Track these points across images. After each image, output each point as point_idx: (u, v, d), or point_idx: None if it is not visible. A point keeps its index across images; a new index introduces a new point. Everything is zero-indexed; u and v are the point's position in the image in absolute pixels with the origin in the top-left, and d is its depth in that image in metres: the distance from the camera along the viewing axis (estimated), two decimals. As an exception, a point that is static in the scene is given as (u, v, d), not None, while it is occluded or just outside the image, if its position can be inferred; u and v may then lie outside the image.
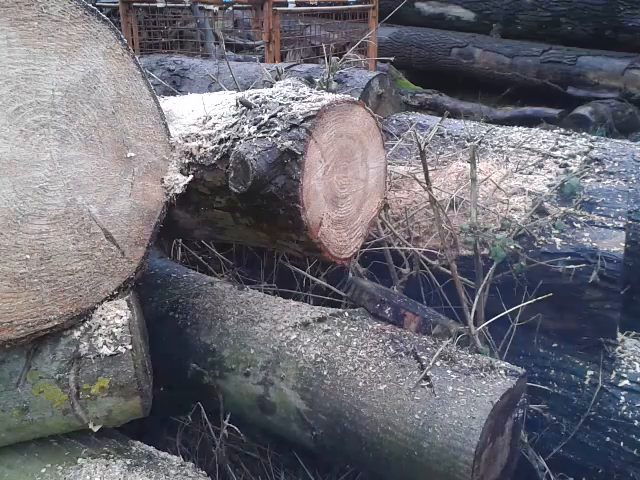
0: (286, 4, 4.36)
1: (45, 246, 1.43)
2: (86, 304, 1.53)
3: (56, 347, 1.52)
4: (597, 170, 2.08)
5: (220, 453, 1.88)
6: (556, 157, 2.18)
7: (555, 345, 2.01)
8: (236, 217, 1.65)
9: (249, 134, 1.54)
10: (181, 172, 1.66)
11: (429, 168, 2.19)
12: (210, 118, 1.69)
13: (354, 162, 1.62)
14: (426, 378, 1.60)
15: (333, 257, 1.62)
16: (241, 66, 3.13)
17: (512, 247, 1.88)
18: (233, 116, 1.64)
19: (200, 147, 1.64)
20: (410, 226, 2.12)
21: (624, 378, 1.88)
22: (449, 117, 2.54)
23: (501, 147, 2.32)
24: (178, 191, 1.64)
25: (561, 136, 2.34)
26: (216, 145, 1.61)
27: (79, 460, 1.56)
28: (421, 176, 2.02)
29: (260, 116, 1.56)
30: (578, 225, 1.91)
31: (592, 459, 1.88)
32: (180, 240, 2.61)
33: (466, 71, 6.81)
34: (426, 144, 1.86)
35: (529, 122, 4.55)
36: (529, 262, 1.89)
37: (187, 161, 1.66)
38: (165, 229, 1.68)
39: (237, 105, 1.66)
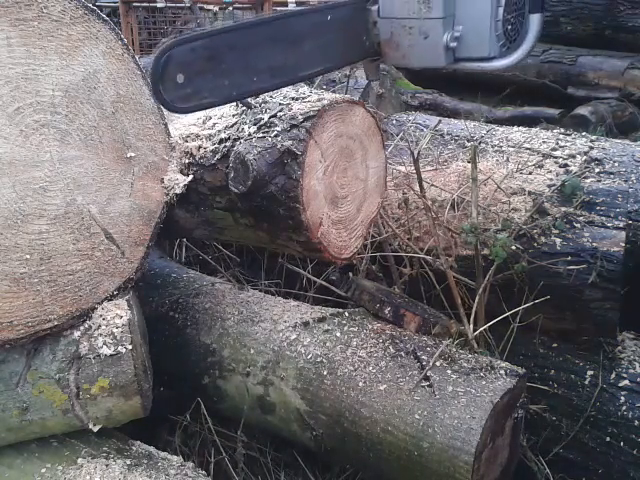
0: (286, 4, 4.36)
1: (45, 246, 1.43)
2: (86, 304, 1.53)
3: (56, 347, 1.51)
4: (597, 170, 2.08)
5: (240, 454, 1.88)
6: (556, 157, 2.17)
7: (555, 345, 2.01)
8: (236, 217, 1.65)
9: (249, 134, 1.54)
10: (181, 172, 1.66)
11: (429, 168, 2.19)
12: (210, 118, 1.69)
13: (354, 162, 1.62)
14: (426, 378, 1.60)
15: (333, 257, 1.62)
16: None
17: (513, 247, 1.88)
18: (233, 116, 1.65)
19: (200, 147, 1.64)
20: (410, 226, 2.12)
21: (624, 378, 1.88)
22: (449, 117, 2.54)
23: (501, 147, 2.32)
24: (178, 191, 1.64)
25: (561, 136, 2.33)
26: (216, 145, 1.61)
27: (79, 460, 1.56)
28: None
29: (260, 116, 1.56)
30: (578, 225, 1.91)
31: (592, 459, 1.88)
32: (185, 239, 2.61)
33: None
34: (419, 152, 1.87)
35: (529, 122, 4.53)
36: (529, 262, 1.89)
37: (187, 161, 1.66)
38: (165, 229, 1.68)
39: (237, 105, 1.66)
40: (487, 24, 1.66)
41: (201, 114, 1.73)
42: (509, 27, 1.71)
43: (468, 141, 2.39)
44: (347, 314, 1.88)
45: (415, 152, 1.85)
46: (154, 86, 1.32)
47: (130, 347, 1.52)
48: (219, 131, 1.63)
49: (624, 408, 1.84)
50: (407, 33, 1.68)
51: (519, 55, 1.74)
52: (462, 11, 1.67)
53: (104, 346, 1.51)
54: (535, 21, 1.73)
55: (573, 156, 2.16)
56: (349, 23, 1.68)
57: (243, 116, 1.61)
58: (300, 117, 1.50)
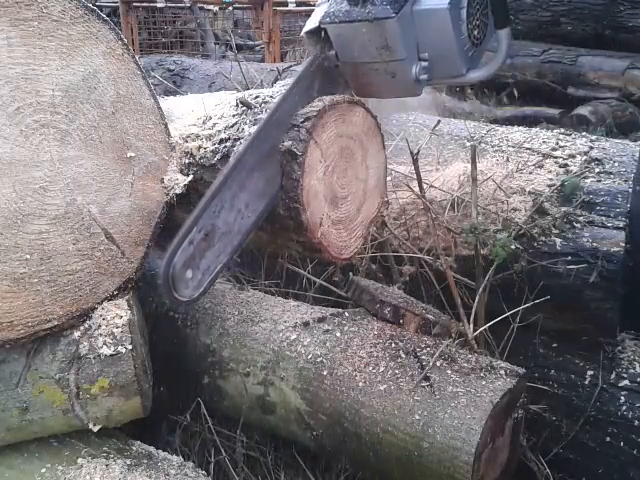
0: (286, 4, 4.37)
1: (45, 246, 1.43)
2: (86, 304, 1.53)
3: (56, 347, 1.52)
4: (597, 170, 2.08)
5: (240, 454, 1.88)
6: (556, 157, 2.17)
7: (555, 345, 2.01)
8: (236, 217, 1.65)
9: (249, 134, 1.54)
10: (181, 172, 1.66)
11: (429, 168, 2.19)
12: (210, 118, 1.69)
13: (354, 162, 1.62)
14: (426, 378, 1.60)
15: (333, 257, 1.62)
16: (241, 66, 3.13)
17: (513, 247, 1.88)
18: (233, 116, 1.64)
19: (200, 147, 1.64)
20: (410, 225, 2.12)
21: (624, 378, 1.88)
22: (449, 117, 2.53)
23: (501, 147, 2.32)
24: (178, 191, 1.64)
25: (561, 136, 2.33)
26: (216, 145, 1.61)
27: (79, 460, 1.56)
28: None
29: (260, 116, 1.56)
30: (578, 225, 1.91)
31: (592, 459, 1.88)
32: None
33: (466, 71, 6.78)
34: (419, 152, 1.87)
35: (529, 122, 4.53)
36: (529, 262, 1.89)
37: (187, 161, 1.66)
38: (165, 229, 1.68)
39: (237, 105, 1.66)
40: (454, 45, 1.57)
41: (201, 114, 1.73)
42: (475, 32, 1.62)
43: (468, 141, 2.39)
44: (347, 314, 1.88)
45: (415, 152, 1.85)
46: (169, 297, 1.30)
47: (130, 347, 1.52)
48: (219, 131, 1.63)
49: (624, 408, 1.84)
50: (374, 74, 1.61)
51: (490, 68, 1.65)
52: (424, 37, 1.57)
53: (104, 346, 1.51)
54: (504, 35, 1.66)
55: (573, 156, 2.16)
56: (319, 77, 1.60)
57: (243, 116, 1.61)
58: (300, 117, 1.50)
